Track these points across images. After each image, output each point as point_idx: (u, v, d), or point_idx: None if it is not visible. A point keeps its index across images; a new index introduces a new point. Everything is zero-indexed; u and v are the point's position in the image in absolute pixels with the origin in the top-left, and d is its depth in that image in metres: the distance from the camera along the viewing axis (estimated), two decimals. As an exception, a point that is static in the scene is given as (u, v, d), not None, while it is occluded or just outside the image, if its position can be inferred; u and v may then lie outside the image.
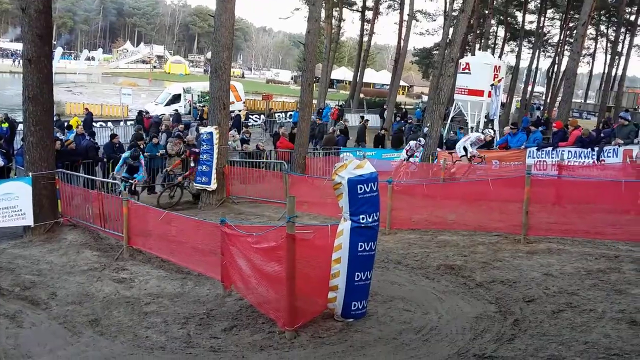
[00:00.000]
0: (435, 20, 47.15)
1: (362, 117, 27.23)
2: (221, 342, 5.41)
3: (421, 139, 17.04)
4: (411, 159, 15.92)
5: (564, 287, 5.95)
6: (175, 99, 33.37)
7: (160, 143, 15.90)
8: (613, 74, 41.81)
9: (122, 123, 25.41)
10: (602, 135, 13.92)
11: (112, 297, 6.93)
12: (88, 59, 65.99)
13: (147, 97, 38.92)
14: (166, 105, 32.11)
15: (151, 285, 7.32)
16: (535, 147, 15.21)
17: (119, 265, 8.13)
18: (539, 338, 4.61)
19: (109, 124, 26.15)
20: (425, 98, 43.42)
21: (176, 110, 27.73)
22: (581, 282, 6.12)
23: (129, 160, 12.47)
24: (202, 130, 13.54)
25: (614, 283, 6.00)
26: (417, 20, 43.24)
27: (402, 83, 53.98)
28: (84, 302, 6.76)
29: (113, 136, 14.99)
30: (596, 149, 13.40)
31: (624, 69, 41.17)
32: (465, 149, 14.05)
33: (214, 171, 12.67)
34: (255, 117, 33.69)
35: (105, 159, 14.06)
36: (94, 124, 23.10)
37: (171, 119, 22.68)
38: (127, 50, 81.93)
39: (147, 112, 25.27)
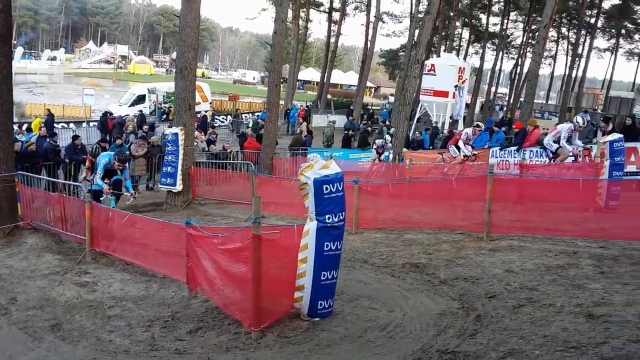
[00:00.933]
0: (401, 22, 47.92)
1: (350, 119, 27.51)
2: (186, 344, 5.37)
3: (387, 137, 17.24)
4: (382, 157, 16.10)
5: (525, 283, 6.09)
6: (140, 99, 32.93)
7: (124, 145, 15.66)
8: (574, 75, 43.01)
9: (84, 124, 24.91)
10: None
11: (74, 301, 6.79)
12: (50, 59, 64.45)
13: (111, 97, 38.28)
14: (130, 106, 31.68)
15: (115, 289, 7.20)
16: (499, 147, 15.53)
17: (81, 269, 7.97)
18: (500, 332, 4.72)
19: (71, 125, 25.62)
20: (391, 99, 43.81)
21: (141, 111, 27.37)
22: (541, 277, 6.27)
23: (111, 164, 10.05)
24: (167, 131, 13.39)
25: (572, 278, 6.17)
26: (383, 22, 43.75)
27: (369, 84, 54.48)
28: (45, 307, 6.61)
29: (75, 137, 14.70)
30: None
31: (584, 70, 42.40)
32: (458, 147, 14.02)
33: (179, 172, 12.55)
34: (222, 118, 33.47)
35: (67, 161, 13.76)
36: (55, 125, 22.59)
37: (135, 119, 22.35)
38: (90, 50, 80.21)
39: (110, 113, 24.86)
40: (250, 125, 24.69)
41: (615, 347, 4.21)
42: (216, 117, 32.11)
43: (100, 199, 9.83)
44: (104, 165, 9.99)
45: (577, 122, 11.69)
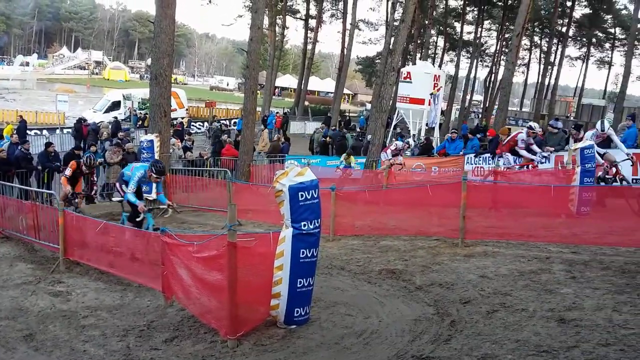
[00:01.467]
0: (377, 30, 48.27)
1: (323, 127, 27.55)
2: (162, 353, 5.32)
3: (409, 140, 16.74)
4: (400, 158, 15.24)
5: (498, 288, 6.19)
6: (115, 105, 32.62)
7: (99, 152, 15.49)
8: (546, 83, 43.90)
9: (58, 131, 24.58)
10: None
11: (47, 311, 6.68)
12: (22, 64, 63.43)
13: (85, 104, 37.83)
14: (105, 112, 31.34)
15: (89, 298, 7.10)
16: (473, 154, 15.74)
17: (55, 278, 7.85)
18: (473, 338, 4.78)
19: (44, 132, 25.23)
20: (369, 106, 44.11)
21: (115, 117, 27.09)
22: (514, 283, 6.37)
23: (147, 177, 8.87)
24: (143, 138, 13.27)
25: (544, 283, 6.28)
26: (359, 30, 44.14)
27: (346, 91, 54.77)
28: (18, 317, 6.49)
29: (48, 144, 14.48)
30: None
31: (556, 78, 43.34)
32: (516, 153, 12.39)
33: (155, 180, 12.43)
34: (199, 125, 33.30)
35: (40, 169, 13.54)
36: (28, 132, 22.23)
37: (110, 126, 22.12)
38: (64, 56, 79.07)
39: (85, 120, 24.56)
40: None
41: (585, 351, 4.30)
42: (192, 123, 31.94)
43: (137, 219, 8.80)
44: (138, 179, 8.81)
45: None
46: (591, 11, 42.46)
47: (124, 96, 33.49)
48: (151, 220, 8.94)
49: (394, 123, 25.44)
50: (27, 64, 65.09)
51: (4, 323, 6.29)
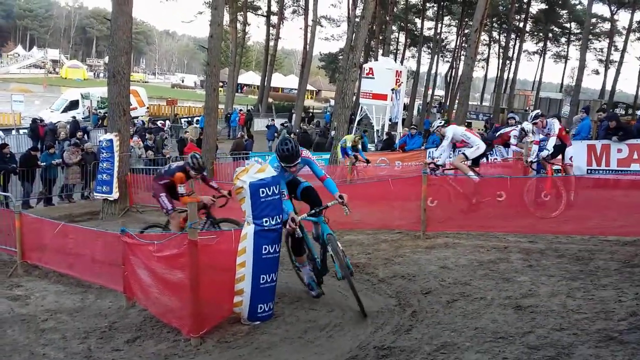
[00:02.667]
0: (339, 26, 48.52)
1: (285, 122, 27.47)
2: (124, 354, 5.26)
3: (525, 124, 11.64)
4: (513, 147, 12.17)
5: (458, 278, 6.32)
6: (73, 105, 31.84)
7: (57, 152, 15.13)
8: (505, 77, 44.80)
9: (14, 132, 23.86)
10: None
11: (5, 316, 6.53)
12: (-25, 63, 61.33)
13: (42, 103, 36.80)
14: (63, 112, 30.57)
15: (49, 301, 6.97)
16: (434, 148, 15.96)
17: (13, 282, 7.68)
18: (434, 327, 4.88)
19: (-1, 132, 24.46)
20: (332, 102, 44.23)
21: (74, 117, 26.46)
22: (474, 272, 6.52)
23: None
24: (102, 137, 13.03)
25: (502, 272, 6.44)
26: (321, 26, 44.13)
27: (309, 87, 54.74)
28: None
29: (3, 146, 14.05)
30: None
31: (515, 72, 44.30)
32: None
33: (115, 180, 12.24)
34: (160, 123, 32.77)
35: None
36: (-18, 132, 21.53)
37: (68, 126, 21.59)
38: (19, 55, 76.70)
39: (41, 120, 23.91)
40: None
41: (540, 336, 4.44)
42: (155, 121, 31.41)
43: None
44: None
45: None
46: (547, 6, 43.54)
47: (82, 95, 32.68)
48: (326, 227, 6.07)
49: (357, 119, 25.61)
50: (-19, 63, 62.88)
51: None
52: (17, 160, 13.94)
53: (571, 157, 10.10)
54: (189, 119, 33.64)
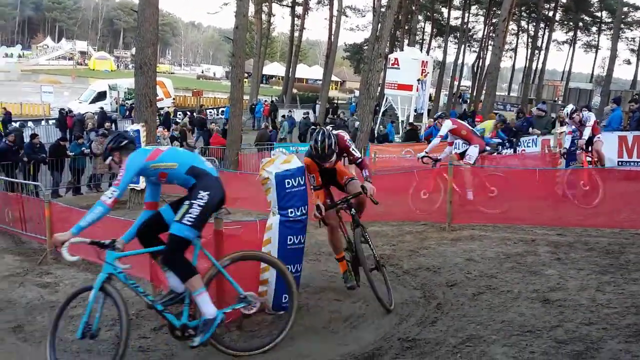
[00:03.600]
0: (364, 16, 48.10)
1: (307, 113, 27.50)
2: (150, 341, 5.34)
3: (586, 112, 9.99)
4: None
5: (484, 271, 6.25)
6: (101, 96, 32.32)
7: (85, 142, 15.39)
8: (534, 67, 44.06)
9: (43, 122, 24.33)
10: (514, 129, 14.51)
11: (35, 303, 6.66)
12: (6, 55, 62.57)
13: (71, 94, 37.42)
14: (91, 102, 31.05)
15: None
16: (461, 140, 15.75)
17: (42, 270, 7.82)
18: (459, 319, 4.84)
19: (30, 123, 24.96)
20: (357, 93, 44.04)
21: (102, 107, 26.86)
22: (500, 265, 6.45)
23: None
24: (129, 128, 13.19)
25: (529, 265, 6.36)
26: (346, 16, 43.92)
27: (334, 78, 54.56)
28: (6, 309, 6.47)
29: (33, 136, 14.35)
30: (514, 140, 14.07)
31: (544, 62, 43.57)
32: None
33: (142, 170, 12.38)
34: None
35: (25, 160, 13.43)
36: (13, 123, 21.99)
37: (96, 116, 21.93)
38: (48, 47, 78.04)
39: (69, 111, 24.33)
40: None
41: (568, 330, 4.37)
42: (178, 112, 31.74)
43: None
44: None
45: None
46: (577, -5, 42.61)
47: (109, 86, 33.18)
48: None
49: (382, 110, 25.47)
50: (11, 55, 64.15)
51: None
52: (47, 151, 14.22)
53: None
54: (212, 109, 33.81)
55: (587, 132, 9.21)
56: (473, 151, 9.44)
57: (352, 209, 5.72)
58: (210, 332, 4.37)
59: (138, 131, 12.19)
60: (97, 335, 4.51)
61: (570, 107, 9.79)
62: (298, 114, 33.48)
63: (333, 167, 5.57)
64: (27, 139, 15.52)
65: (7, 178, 11.49)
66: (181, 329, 4.48)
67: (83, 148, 14.73)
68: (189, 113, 27.78)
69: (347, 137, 5.52)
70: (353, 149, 5.59)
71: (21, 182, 11.66)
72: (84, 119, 20.74)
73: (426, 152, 9.85)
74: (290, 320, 4.86)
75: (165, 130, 18.23)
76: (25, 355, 5.36)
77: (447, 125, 9.60)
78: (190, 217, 4.29)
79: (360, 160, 5.65)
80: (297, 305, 5.00)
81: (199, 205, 4.27)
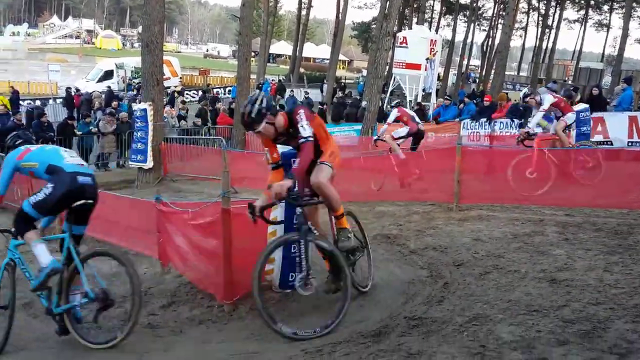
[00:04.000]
0: (373, -6, 47.40)
1: (307, 93, 27.31)
2: (159, 318, 5.40)
3: None
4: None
5: (492, 251, 6.24)
6: (108, 75, 32.24)
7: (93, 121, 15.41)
8: (544, 46, 43.50)
9: (51, 101, 24.34)
10: (520, 108, 14.35)
11: (45, 280, 6.73)
12: (13, 34, 62.42)
13: (78, 73, 37.37)
14: (98, 81, 30.99)
15: (87, 266, 7.14)
16: (469, 119, 15.69)
17: (52, 247, 7.85)
18: (466, 299, 4.84)
19: (37, 102, 24.99)
20: (365, 72, 43.70)
21: (109, 86, 26.82)
22: (507, 245, 6.43)
23: None
24: (136, 107, 13.18)
25: (537, 245, 6.33)
26: (354, -6, 43.33)
27: (342, 57, 54.15)
28: (16, 286, 6.53)
29: (41, 115, 14.38)
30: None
31: (554, 42, 43.00)
32: None
33: (149, 149, 12.41)
34: (193, 93, 33.01)
35: (34, 139, 13.46)
36: (20, 102, 22.03)
37: (103, 95, 21.91)
38: (55, 25, 77.87)
39: (77, 90, 24.32)
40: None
41: (575, 310, 4.36)
42: (187, 92, 31.67)
43: None
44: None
45: None
46: (589, -28, 41.87)
47: (116, 65, 33.07)
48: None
49: (390, 89, 25.27)
50: (18, 33, 64.02)
51: (2, 292, 6.33)
52: (55, 129, 14.25)
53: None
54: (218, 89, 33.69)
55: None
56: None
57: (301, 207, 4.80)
58: (41, 279, 5.01)
59: (145, 110, 12.19)
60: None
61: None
62: (303, 93, 33.35)
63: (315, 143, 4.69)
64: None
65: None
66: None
67: (91, 127, 14.74)
68: (201, 92, 27.66)
69: (304, 112, 4.62)
70: (302, 127, 4.53)
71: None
72: (91, 98, 20.74)
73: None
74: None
75: (172, 109, 18.22)
76: (36, 330, 5.42)
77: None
78: (35, 199, 4.91)
79: (303, 142, 4.55)
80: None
81: (44, 194, 4.87)
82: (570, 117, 9.12)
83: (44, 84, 29.17)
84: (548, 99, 9.10)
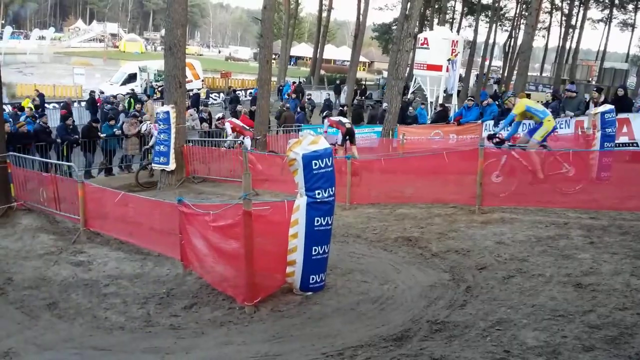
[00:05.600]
0: (393, -5, 47.23)
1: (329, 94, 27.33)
2: (181, 319, 5.44)
3: None
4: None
5: (515, 254, 6.17)
6: (131, 78, 32.61)
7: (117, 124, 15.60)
8: (567, 47, 42.87)
9: (75, 104, 24.70)
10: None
11: (70, 281, 6.83)
12: (39, 38, 63.55)
13: (102, 76, 37.89)
14: (122, 84, 31.36)
15: (110, 267, 7.24)
16: (491, 120, 15.49)
17: (76, 249, 8.00)
18: (489, 303, 4.79)
19: (62, 105, 25.38)
20: (385, 74, 43.52)
21: (132, 89, 27.14)
22: (531, 248, 6.35)
23: None
24: (159, 109, 13.30)
25: (562, 249, 6.24)
26: (375, -5, 43.22)
27: (362, 59, 53.99)
28: (41, 287, 6.66)
29: (66, 117, 14.60)
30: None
31: (578, 42, 42.36)
32: None
33: (172, 151, 12.51)
34: (215, 96, 33.23)
35: (59, 141, 13.69)
36: (46, 105, 22.41)
37: (126, 98, 22.17)
38: (80, 29, 79.10)
39: (102, 92, 24.66)
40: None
41: (601, 315, 4.29)
42: (210, 95, 31.88)
43: None
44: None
45: None
46: (614, -29, 41.15)
47: (140, 68, 33.44)
48: None
49: (411, 90, 25.11)
50: (44, 37, 65.12)
51: (28, 292, 6.46)
52: (79, 132, 14.47)
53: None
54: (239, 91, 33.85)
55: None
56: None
57: None
58: None
59: (168, 112, 12.30)
60: None
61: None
62: (326, 95, 33.33)
63: None
64: (59, 121, 15.81)
65: (41, 159, 11.73)
66: None
67: (115, 129, 14.93)
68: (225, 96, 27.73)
69: None
70: None
71: (55, 162, 11.88)
72: (114, 101, 21.00)
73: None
74: None
75: (194, 111, 18.36)
76: (60, 331, 5.50)
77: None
78: None
79: None
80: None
81: None
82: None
83: (69, 87, 29.64)
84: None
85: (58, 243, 8.27)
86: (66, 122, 14.22)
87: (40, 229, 8.99)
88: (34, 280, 6.85)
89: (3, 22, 58.50)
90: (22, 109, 17.64)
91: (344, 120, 13.51)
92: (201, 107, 20.91)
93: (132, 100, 21.57)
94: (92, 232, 8.47)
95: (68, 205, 9.01)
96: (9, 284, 6.74)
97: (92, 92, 24.07)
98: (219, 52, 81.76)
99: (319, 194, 5.40)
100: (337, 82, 35.14)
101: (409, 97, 23.36)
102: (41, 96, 22.56)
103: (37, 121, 14.06)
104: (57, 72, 40.91)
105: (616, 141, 10.69)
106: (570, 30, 42.21)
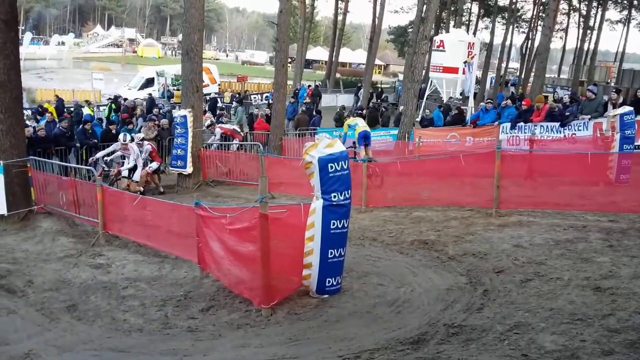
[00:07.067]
0: (409, -2, 47.05)
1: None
2: (198, 322, 5.48)
3: None
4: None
5: (533, 258, 6.12)
6: (149, 82, 32.92)
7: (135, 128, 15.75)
8: (585, 48, 42.36)
9: (94, 109, 24.99)
10: (566, 112, 14.03)
11: (89, 283, 6.92)
12: (58, 43, 64.49)
13: (120, 81, 38.30)
14: (140, 89, 31.67)
15: (128, 270, 7.32)
16: (509, 122, 15.37)
17: (95, 251, 8.10)
18: (506, 306, 4.76)
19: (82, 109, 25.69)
20: (401, 77, 43.39)
21: (150, 94, 27.39)
22: (549, 252, 6.30)
23: None
24: (176, 113, 13.43)
25: (580, 252, 6.19)
26: (391, -2, 43.14)
27: (378, 62, 53.95)
28: (61, 289, 6.75)
29: (85, 122, 14.78)
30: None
31: (596, 43, 41.79)
32: None
33: (189, 155, 12.62)
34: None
35: (78, 146, 13.86)
36: (65, 110, 22.69)
37: (144, 103, 22.38)
38: (98, 34, 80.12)
39: (125, 99, 24.93)
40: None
41: (621, 319, 4.24)
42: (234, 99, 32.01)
43: None
44: None
45: None
46: (633, -29, 40.61)
47: (157, 73, 33.76)
48: None
49: (427, 93, 25.03)
50: (63, 43, 66.06)
51: (48, 294, 6.55)
52: (98, 136, 14.63)
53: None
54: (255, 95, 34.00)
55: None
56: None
57: None
58: None
59: (185, 116, 12.41)
60: None
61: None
62: (341, 99, 33.33)
63: None
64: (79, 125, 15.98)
65: (61, 162, 11.89)
66: None
67: (133, 133, 15.07)
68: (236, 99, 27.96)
69: None
70: None
71: (74, 166, 12.05)
72: (134, 105, 21.20)
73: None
74: None
75: (212, 115, 18.45)
76: (80, 332, 5.57)
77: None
78: None
79: None
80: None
81: None
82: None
83: (88, 91, 30.03)
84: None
85: (77, 246, 8.39)
86: (85, 126, 14.39)
87: (60, 232, 9.11)
88: (54, 282, 6.95)
89: (23, 28, 59.30)
90: (44, 111, 17.89)
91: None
92: (218, 112, 21.01)
93: (112, 105, 21.87)
94: (110, 235, 8.57)
95: (87, 209, 9.13)
96: (30, 286, 6.84)
97: (117, 97, 24.29)
98: (236, 57, 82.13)
99: (335, 196, 5.41)
100: (359, 85, 35.06)
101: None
102: (60, 101, 22.85)
103: (58, 125, 14.24)
104: (76, 77, 41.52)
105: (636, 143, 10.55)
106: (589, 31, 41.72)
